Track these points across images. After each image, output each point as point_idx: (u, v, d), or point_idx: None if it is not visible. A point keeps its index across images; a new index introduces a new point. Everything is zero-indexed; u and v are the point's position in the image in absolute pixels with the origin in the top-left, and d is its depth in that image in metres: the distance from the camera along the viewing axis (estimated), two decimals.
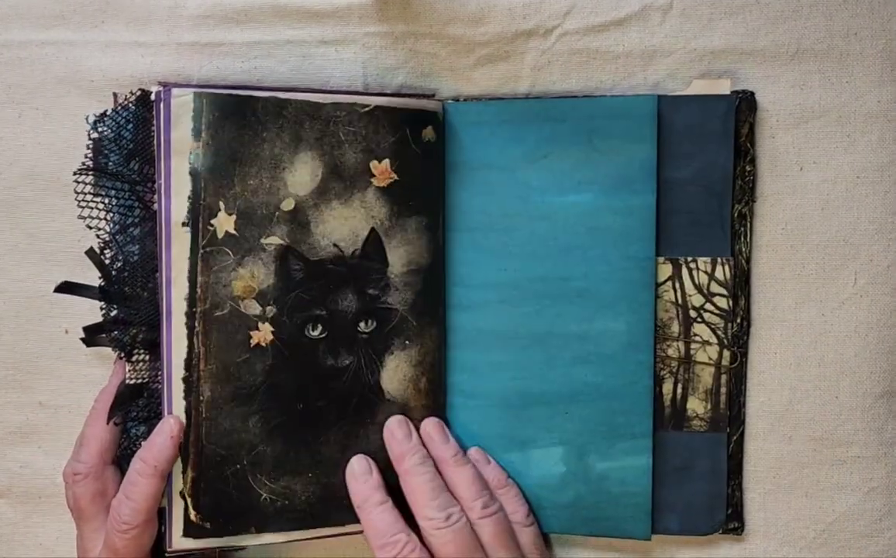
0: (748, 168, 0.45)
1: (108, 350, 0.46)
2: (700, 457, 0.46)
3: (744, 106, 0.45)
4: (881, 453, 0.46)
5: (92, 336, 0.45)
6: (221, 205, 0.42)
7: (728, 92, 0.45)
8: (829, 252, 0.46)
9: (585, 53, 0.46)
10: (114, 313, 0.44)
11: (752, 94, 0.45)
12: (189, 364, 0.43)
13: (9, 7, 0.46)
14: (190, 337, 0.43)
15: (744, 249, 0.45)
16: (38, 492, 0.49)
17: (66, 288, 0.46)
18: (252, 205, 0.42)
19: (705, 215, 0.45)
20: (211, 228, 0.42)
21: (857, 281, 0.46)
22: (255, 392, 0.43)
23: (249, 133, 0.42)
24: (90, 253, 0.45)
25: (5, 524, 0.49)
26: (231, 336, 0.43)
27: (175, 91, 0.41)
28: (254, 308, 0.43)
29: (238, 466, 0.44)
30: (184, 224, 0.42)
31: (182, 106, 0.41)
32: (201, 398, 0.43)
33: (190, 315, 0.42)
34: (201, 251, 0.42)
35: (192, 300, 0.42)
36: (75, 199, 0.44)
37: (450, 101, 0.46)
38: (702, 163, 0.45)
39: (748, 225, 0.45)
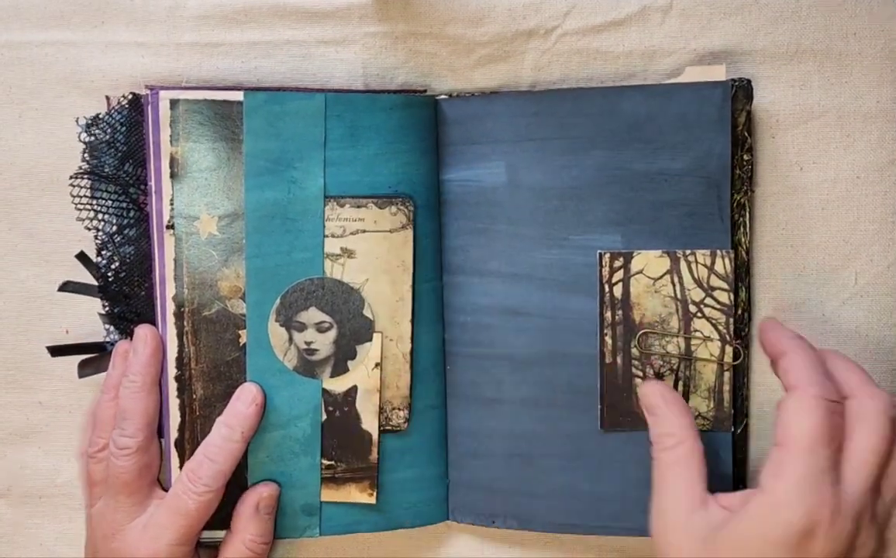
0: (746, 157, 0.45)
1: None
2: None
3: (740, 94, 0.44)
4: None
5: (84, 368, 0.46)
6: (203, 207, 0.43)
7: (723, 78, 0.44)
8: (829, 252, 0.46)
9: (586, 53, 0.46)
10: (115, 311, 0.45)
11: (749, 81, 0.44)
12: (181, 362, 0.44)
13: (9, 7, 0.46)
14: (180, 336, 0.43)
15: (743, 240, 0.45)
16: (38, 492, 0.49)
17: (69, 287, 0.46)
18: (234, 207, 0.43)
19: (703, 206, 0.44)
20: (194, 230, 0.43)
21: (857, 281, 0.46)
22: None
23: (227, 135, 0.43)
24: (80, 256, 0.46)
25: (5, 524, 0.49)
26: (220, 335, 0.44)
27: (162, 94, 0.43)
28: (241, 307, 0.43)
29: None
30: (168, 226, 0.43)
31: (165, 109, 0.43)
32: (194, 396, 0.44)
33: (179, 315, 0.43)
34: (186, 252, 0.43)
35: (180, 300, 0.43)
36: (72, 202, 0.44)
37: (442, 97, 0.46)
38: (698, 153, 0.43)
39: (747, 215, 0.45)
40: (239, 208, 0.43)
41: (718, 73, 0.44)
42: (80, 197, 0.45)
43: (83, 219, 0.45)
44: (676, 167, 0.44)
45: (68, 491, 0.48)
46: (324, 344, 0.44)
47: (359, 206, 0.44)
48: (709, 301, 0.44)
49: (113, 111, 0.45)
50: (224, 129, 0.43)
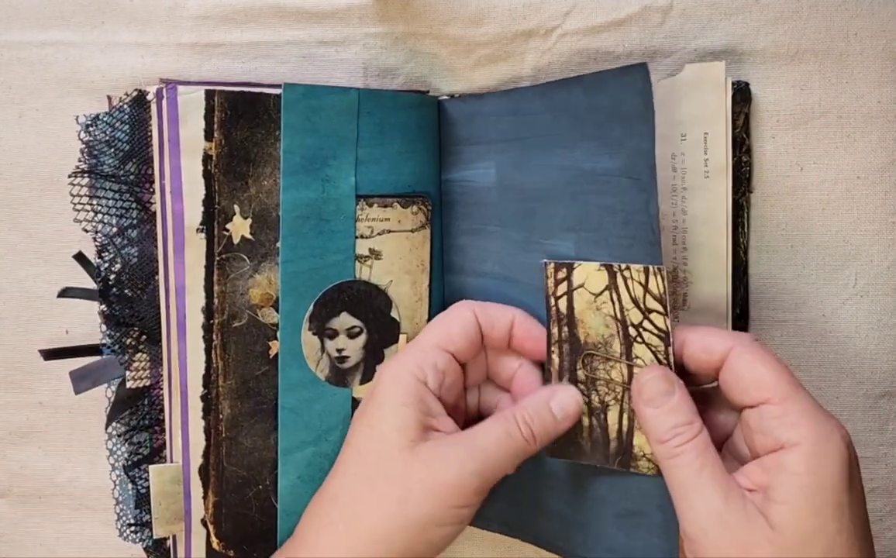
0: (744, 158, 0.45)
1: None
2: (651, 506, 0.39)
3: (738, 97, 0.44)
4: (882, 453, 0.46)
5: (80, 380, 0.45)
6: (236, 208, 0.40)
7: (723, 74, 0.43)
8: (829, 252, 0.46)
9: (586, 54, 0.46)
10: (116, 314, 0.44)
11: (747, 84, 0.45)
12: (207, 380, 0.41)
13: (9, 7, 0.46)
14: (207, 351, 0.41)
15: (741, 240, 0.45)
16: (38, 492, 0.49)
17: (68, 293, 0.46)
18: (267, 208, 0.41)
19: (636, 214, 0.38)
20: (226, 233, 0.40)
21: (857, 281, 0.46)
22: (276, 406, 0.42)
23: (262, 131, 0.40)
24: (78, 256, 0.45)
25: (5, 524, 0.49)
26: (250, 348, 0.41)
27: (181, 88, 0.40)
28: (272, 317, 0.41)
29: (260, 487, 0.42)
30: (198, 229, 0.40)
31: (191, 103, 0.40)
32: (220, 416, 0.41)
33: (207, 328, 0.40)
34: (217, 258, 0.40)
35: (208, 311, 0.40)
36: (71, 202, 0.43)
37: (444, 97, 0.46)
38: (629, 151, 0.38)
39: (746, 215, 0.45)
40: (272, 210, 0.41)
41: (718, 70, 0.43)
42: (80, 197, 0.44)
43: (81, 221, 0.43)
44: (613, 167, 0.39)
45: (68, 490, 0.48)
46: (354, 349, 0.42)
47: (385, 206, 0.42)
48: (647, 324, 0.38)
49: (113, 110, 0.44)
50: (260, 123, 0.40)
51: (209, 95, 0.40)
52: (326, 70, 0.46)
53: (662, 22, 0.45)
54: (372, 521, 0.36)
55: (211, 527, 0.42)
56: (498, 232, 0.44)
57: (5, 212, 0.47)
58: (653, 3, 0.45)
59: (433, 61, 0.46)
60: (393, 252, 0.43)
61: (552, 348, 0.40)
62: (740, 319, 0.45)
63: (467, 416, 0.43)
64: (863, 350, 0.46)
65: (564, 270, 0.40)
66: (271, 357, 0.41)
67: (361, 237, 0.42)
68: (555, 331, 0.40)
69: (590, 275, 0.39)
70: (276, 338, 0.41)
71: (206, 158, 0.40)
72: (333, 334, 0.42)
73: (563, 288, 0.40)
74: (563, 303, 0.40)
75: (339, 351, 0.42)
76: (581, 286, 0.39)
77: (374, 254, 0.42)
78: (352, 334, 0.42)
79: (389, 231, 0.42)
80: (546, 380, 0.41)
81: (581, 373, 0.40)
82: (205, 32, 0.46)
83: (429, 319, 0.44)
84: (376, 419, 0.38)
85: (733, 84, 0.44)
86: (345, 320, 0.42)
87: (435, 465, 0.36)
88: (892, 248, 0.46)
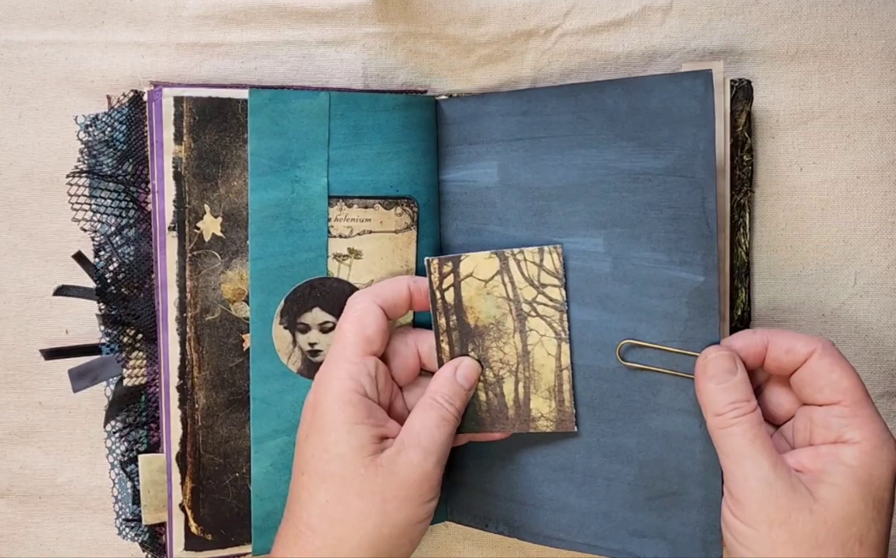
0: (746, 158, 0.45)
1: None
2: (691, 484, 0.41)
3: (740, 95, 0.44)
4: None
5: (79, 379, 0.45)
6: (206, 207, 0.42)
7: (721, 73, 0.43)
8: (829, 252, 0.46)
9: (585, 53, 0.46)
10: (113, 313, 0.44)
11: (749, 82, 0.45)
12: (183, 371, 0.42)
13: (9, 7, 0.46)
14: (182, 343, 0.42)
15: (743, 241, 0.45)
16: (38, 492, 0.49)
17: (65, 291, 0.46)
18: (237, 207, 0.42)
19: (688, 210, 0.40)
20: (197, 231, 0.42)
21: (856, 281, 0.46)
22: (250, 397, 0.43)
23: (231, 135, 0.42)
24: (78, 256, 0.45)
25: (5, 524, 0.49)
26: (223, 341, 0.43)
27: (165, 91, 0.41)
28: (244, 311, 0.43)
29: (237, 474, 0.43)
30: (170, 228, 0.42)
31: (168, 107, 0.41)
32: (196, 406, 0.43)
33: (181, 321, 0.42)
34: (189, 255, 0.42)
35: (182, 305, 0.42)
36: (69, 202, 0.44)
37: (442, 97, 0.46)
38: (682, 151, 0.40)
39: (747, 215, 0.45)
40: (242, 209, 0.42)
41: (716, 69, 0.43)
42: (78, 197, 0.44)
43: (79, 220, 0.44)
44: (660, 166, 0.41)
45: (68, 490, 0.48)
46: (327, 344, 0.44)
47: (366, 207, 0.43)
48: (541, 298, 0.42)
49: (112, 110, 0.44)
50: (228, 127, 0.42)
51: (177, 101, 0.41)
52: (326, 70, 0.46)
53: (662, 22, 0.46)
54: (356, 540, 0.38)
55: (189, 512, 0.43)
56: (499, 231, 0.44)
57: (5, 212, 0.47)
58: (652, 2, 0.45)
59: (433, 61, 0.46)
60: (374, 252, 0.44)
61: (441, 337, 0.43)
62: (741, 321, 0.45)
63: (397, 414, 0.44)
64: (862, 350, 0.46)
65: (450, 264, 0.43)
66: (245, 349, 0.43)
67: (340, 236, 0.43)
68: (442, 321, 0.43)
69: (479, 263, 0.42)
70: (248, 332, 0.43)
71: (177, 161, 0.42)
72: (306, 329, 0.43)
73: (449, 280, 0.43)
74: (449, 295, 0.43)
75: (311, 345, 0.43)
76: (469, 275, 0.43)
77: (354, 253, 0.43)
78: (325, 329, 0.44)
79: (370, 231, 0.43)
80: (440, 366, 0.43)
81: (473, 355, 0.43)
82: (204, 32, 0.46)
83: (413, 320, 0.45)
84: (331, 442, 0.39)
85: (735, 82, 0.44)
86: (317, 315, 0.43)
87: (400, 472, 0.38)
88: (892, 248, 0.46)
